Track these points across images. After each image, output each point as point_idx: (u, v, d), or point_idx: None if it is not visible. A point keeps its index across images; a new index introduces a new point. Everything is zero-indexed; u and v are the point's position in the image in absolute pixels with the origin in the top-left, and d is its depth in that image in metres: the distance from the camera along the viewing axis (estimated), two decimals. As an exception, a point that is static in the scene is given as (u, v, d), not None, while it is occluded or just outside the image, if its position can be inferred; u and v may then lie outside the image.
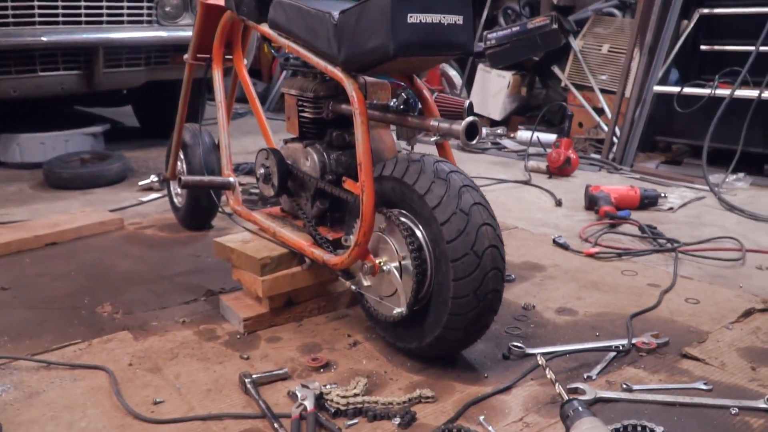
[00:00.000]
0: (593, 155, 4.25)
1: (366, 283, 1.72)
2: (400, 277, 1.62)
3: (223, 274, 2.25)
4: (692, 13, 3.93)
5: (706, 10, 3.85)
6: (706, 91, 3.63)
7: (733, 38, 3.83)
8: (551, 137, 4.52)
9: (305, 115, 1.99)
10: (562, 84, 4.75)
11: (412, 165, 1.62)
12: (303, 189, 2.01)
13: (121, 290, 2.16)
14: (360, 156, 1.61)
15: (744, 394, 1.56)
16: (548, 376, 1.46)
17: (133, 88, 4.19)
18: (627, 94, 4.14)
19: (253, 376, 1.57)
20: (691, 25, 3.95)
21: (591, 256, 2.49)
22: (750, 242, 2.66)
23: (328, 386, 1.54)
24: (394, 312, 1.62)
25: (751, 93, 3.46)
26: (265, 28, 2.02)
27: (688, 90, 3.71)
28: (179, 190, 2.82)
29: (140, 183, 3.45)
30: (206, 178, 2.19)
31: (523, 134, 4.73)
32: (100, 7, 3.72)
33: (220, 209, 2.53)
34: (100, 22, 3.72)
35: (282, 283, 1.89)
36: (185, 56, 2.53)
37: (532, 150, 4.26)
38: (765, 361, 1.71)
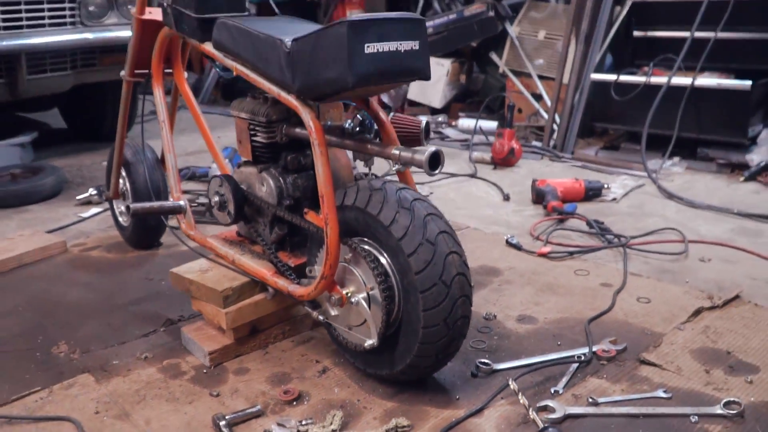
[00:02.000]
0: (535, 143, 4.32)
1: (333, 312, 1.73)
2: (369, 307, 1.63)
3: (180, 299, 2.21)
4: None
5: (638, -3, 3.96)
6: (641, 79, 3.76)
7: (665, 24, 3.95)
8: (493, 125, 4.59)
9: (258, 139, 1.96)
10: (501, 70, 4.80)
11: (374, 194, 1.63)
12: (260, 215, 1.99)
13: (75, 325, 2.11)
14: (321, 187, 1.61)
15: (701, 400, 1.66)
16: (521, 401, 1.51)
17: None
18: (565, 80, 4.21)
19: (227, 417, 1.58)
20: (624, 11, 4.05)
21: (544, 255, 2.55)
22: (690, 232, 2.78)
23: (304, 422, 1.58)
24: (366, 344, 1.64)
25: (685, 80, 3.59)
26: (209, 47, 1.99)
27: (624, 78, 3.83)
28: (123, 209, 2.76)
29: (78, 197, 3.34)
30: (156, 204, 2.15)
31: (465, 122, 4.75)
32: (18, 11, 3.55)
33: (172, 229, 2.47)
34: (20, 27, 3.56)
35: (246, 313, 1.89)
36: (122, 73, 2.46)
37: (475, 139, 4.30)
38: (716, 363, 1.82)
